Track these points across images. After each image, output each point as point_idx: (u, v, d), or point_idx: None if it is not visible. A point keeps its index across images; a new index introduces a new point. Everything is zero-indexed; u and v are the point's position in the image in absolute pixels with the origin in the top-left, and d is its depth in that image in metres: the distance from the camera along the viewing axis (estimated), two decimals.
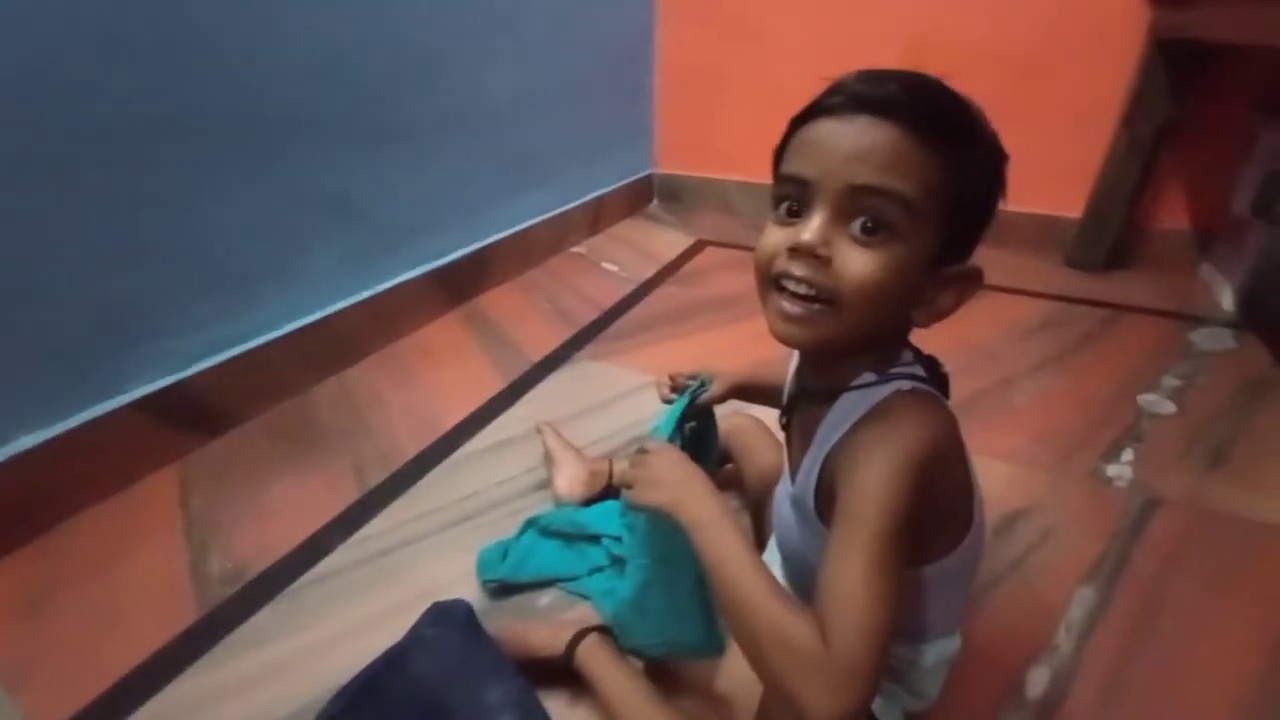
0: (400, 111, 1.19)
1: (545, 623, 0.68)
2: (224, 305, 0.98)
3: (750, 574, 0.41)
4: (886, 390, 0.43)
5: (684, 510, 0.46)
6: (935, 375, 0.48)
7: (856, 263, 0.41)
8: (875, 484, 0.40)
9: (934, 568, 0.48)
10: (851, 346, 0.45)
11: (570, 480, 0.85)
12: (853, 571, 0.38)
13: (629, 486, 0.51)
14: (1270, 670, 0.64)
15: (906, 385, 0.44)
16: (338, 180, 1.11)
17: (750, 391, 0.69)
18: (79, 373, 0.83)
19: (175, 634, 0.69)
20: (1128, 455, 0.94)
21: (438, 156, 1.29)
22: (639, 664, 0.63)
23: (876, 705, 0.53)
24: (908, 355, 0.47)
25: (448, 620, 0.64)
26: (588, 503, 0.84)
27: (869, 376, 0.45)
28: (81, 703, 0.62)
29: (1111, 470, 0.92)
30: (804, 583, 0.57)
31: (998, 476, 0.90)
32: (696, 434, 0.69)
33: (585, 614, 0.69)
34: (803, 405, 0.53)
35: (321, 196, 1.09)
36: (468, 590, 0.73)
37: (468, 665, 0.60)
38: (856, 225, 0.41)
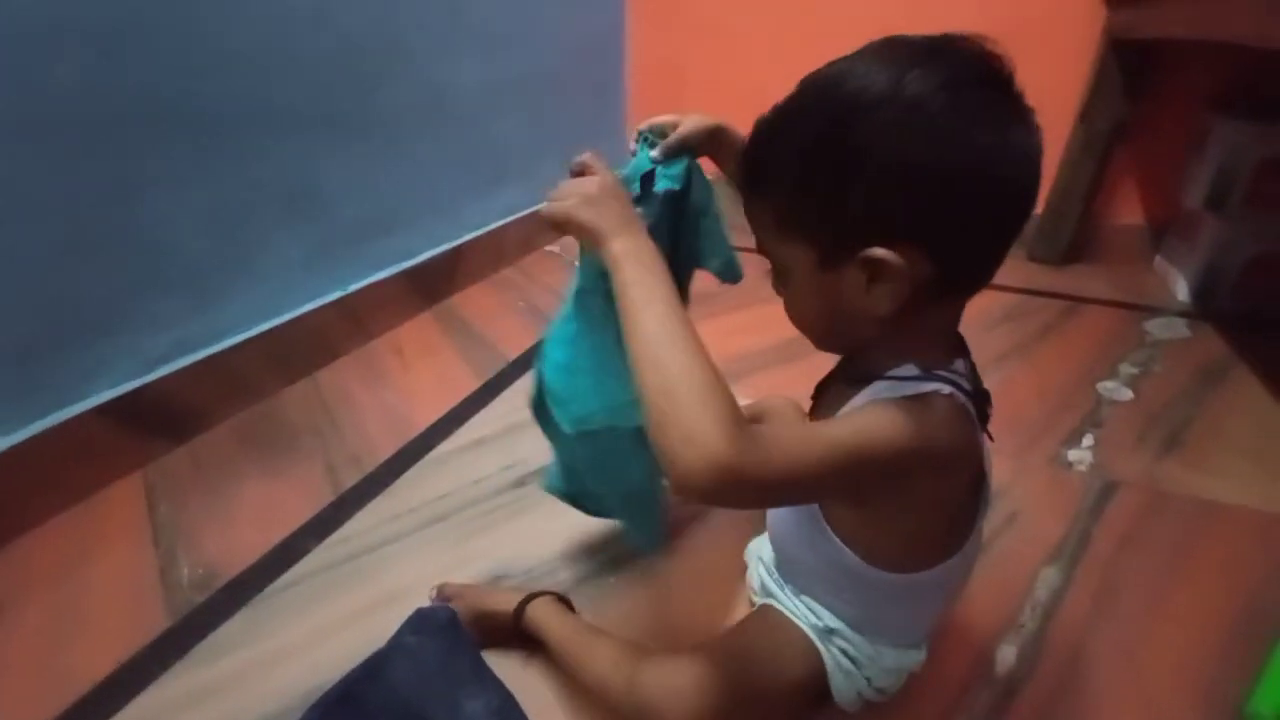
0: (365, 104, 1.17)
1: (501, 589, 0.71)
2: (187, 305, 0.96)
3: (683, 322, 0.40)
4: (927, 387, 0.41)
5: (611, 237, 0.43)
6: (978, 397, 0.45)
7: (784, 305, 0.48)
8: (869, 415, 0.40)
9: (907, 578, 0.49)
10: (868, 345, 0.46)
11: None
12: (814, 434, 0.39)
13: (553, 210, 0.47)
14: (1227, 644, 0.67)
15: (947, 390, 0.41)
16: (301, 174, 1.09)
17: (724, 143, 0.59)
18: (34, 379, 0.81)
19: (146, 642, 0.68)
20: (1088, 441, 0.98)
21: (405, 152, 1.28)
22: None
23: (836, 680, 0.55)
24: (960, 365, 0.44)
25: (429, 628, 0.63)
26: None
27: (912, 369, 0.42)
28: (50, 715, 0.61)
29: (1073, 455, 0.95)
30: (793, 572, 0.59)
31: None
32: (676, 202, 0.56)
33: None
34: (835, 386, 0.52)
35: (285, 191, 1.07)
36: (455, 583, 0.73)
37: (447, 674, 0.60)
38: None
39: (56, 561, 0.77)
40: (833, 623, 0.55)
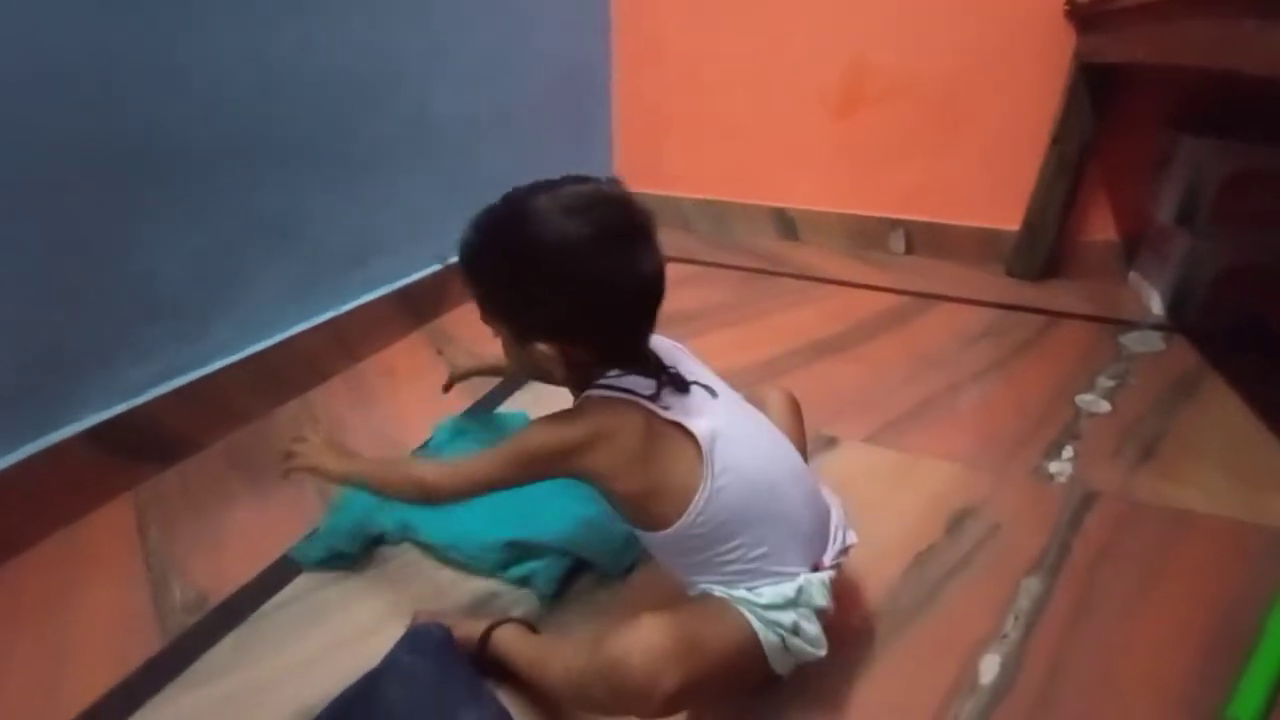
0: (350, 136, 1.19)
1: (466, 616, 0.70)
2: (175, 333, 0.96)
3: (384, 468, 0.68)
4: (583, 395, 0.60)
5: (327, 465, 0.69)
6: (662, 379, 0.59)
7: None
8: (532, 429, 0.60)
9: (673, 531, 0.57)
10: (562, 382, 0.64)
11: None
12: (485, 457, 0.61)
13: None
14: (1205, 652, 0.69)
15: (594, 393, 0.59)
16: (288, 206, 1.10)
17: (483, 373, 0.98)
18: (22, 406, 0.81)
19: (138, 665, 0.67)
20: (1067, 453, 1.00)
21: (390, 181, 1.29)
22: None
23: (758, 629, 0.55)
24: (614, 372, 0.59)
25: (424, 646, 0.63)
26: None
27: (574, 393, 0.62)
28: None
29: (1053, 467, 0.97)
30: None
31: (947, 477, 0.95)
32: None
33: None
34: None
35: (270, 222, 1.08)
36: (438, 607, 0.73)
37: (442, 693, 0.60)
38: None
39: (47, 586, 0.77)
40: (703, 585, 0.60)
